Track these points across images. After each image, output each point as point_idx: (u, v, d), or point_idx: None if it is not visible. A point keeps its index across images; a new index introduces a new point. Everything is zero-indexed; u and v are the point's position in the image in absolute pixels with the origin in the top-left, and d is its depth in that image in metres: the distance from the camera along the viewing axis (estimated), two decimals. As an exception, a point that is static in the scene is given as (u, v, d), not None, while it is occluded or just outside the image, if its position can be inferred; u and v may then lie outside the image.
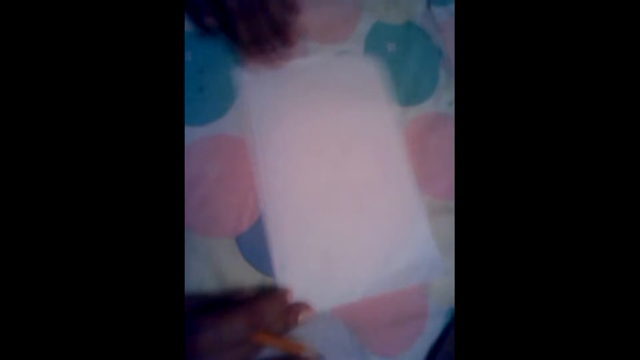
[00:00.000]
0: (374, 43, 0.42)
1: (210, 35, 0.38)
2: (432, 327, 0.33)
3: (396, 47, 0.42)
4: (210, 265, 0.32)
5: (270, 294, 0.31)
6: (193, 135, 0.35)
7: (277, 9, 0.38)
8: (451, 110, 0.41)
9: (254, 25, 0.37)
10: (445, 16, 0.45)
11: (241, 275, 0.32)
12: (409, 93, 0.41)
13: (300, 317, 0.31)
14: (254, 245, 0.33)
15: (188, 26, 0.38)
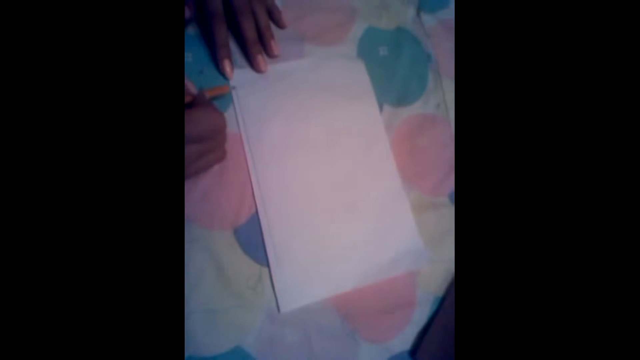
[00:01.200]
0: (367, 47, 0.44)
1: (188, 25, 0.39)
2: (420, 315, 0.35)
3: (387, 51, 0.45)
4: (210, 256, 0.33)
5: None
6: (193, 131, 0.36)
7: (262, 17, 0.40)
8: (439, 112, 0.43)
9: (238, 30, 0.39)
10: (434, 22, 0.47)
11: (239, 265, 0.34)
12: (399, 95, 0.43)
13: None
14: (251, 237, 0.35)
15: (189, 29, 0.40)
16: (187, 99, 0.33)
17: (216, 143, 0.33)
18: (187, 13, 0.37)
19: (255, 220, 0.35)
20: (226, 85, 0.37)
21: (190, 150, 0.30)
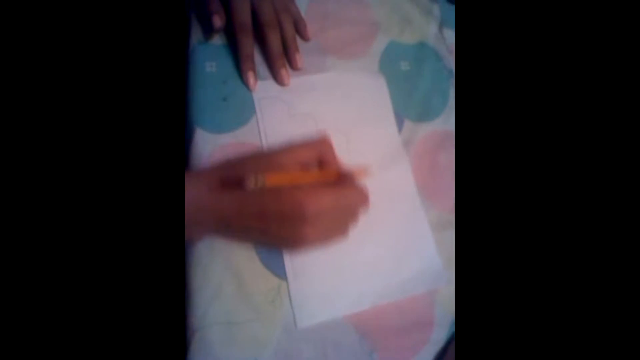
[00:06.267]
0: (388, 61, 0.44)
1: (215, 35, 0.40)
2: (438, 335, 0.35)
3: (409, 66, 0.45)
4: (230, 269, 0.33)
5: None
6: (216, 142, 0.36)
7: (288, 30, 0.40)
8: (460, 129, 0.43)
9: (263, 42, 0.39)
10: (456, 39, 0.47)
11: (258, 278, 0.33)
12: (420, 110, 0.43)
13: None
14: (270, 250, 0.34)
15: (215, 38, 0.40)
16: (336, 174, 0.33)
17: (352, 220, 0.33)
18: (218, 22, 0.37)
19: (275, 233, 0.35)
20: (365, 169, 0.36)
21: (331, 221, 0.31)
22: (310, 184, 0.30)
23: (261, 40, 0.40)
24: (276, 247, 0.34)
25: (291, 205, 0.28)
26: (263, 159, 0.31)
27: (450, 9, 0.49)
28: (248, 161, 0.32)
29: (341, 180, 0.33)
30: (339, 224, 0.32)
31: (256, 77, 0.39)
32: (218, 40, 0.40)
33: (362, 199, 0.32)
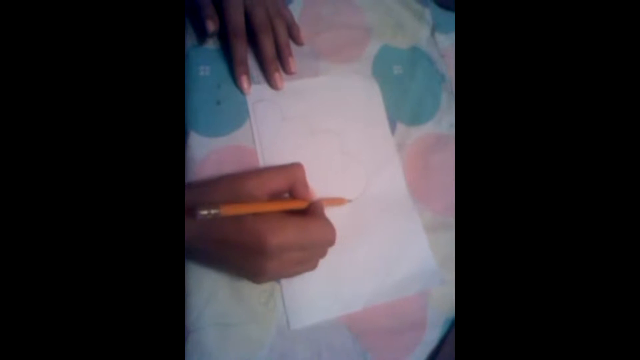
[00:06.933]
0: (381, 65, 0.45)
1: (208, 39, 0.40)
2: (431, 336, 0.35)
3: (402, 70, 0.45)
4: (224, 271, 0.33)
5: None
6: (210, 146, 0.37)
7: (282, 34, 0.40)
8: (452, 132, 0.43)
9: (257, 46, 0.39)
10: (448, 43, 0.48)
11: (252, 280, 0.34)
12: (413, 114, 0.43)
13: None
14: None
15: (209, 43, 0.40)
16: (304, 204, 0.32)
17: (318, 254, 0.32)
18: (212, 26, 0.37)
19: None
20: (343, 198, 0.37)
21: (295, 255, 0.30)
22: (275, 215, 0.30)
23: (255, 44, 0.40)
24: (239, 276, 0.33)
25: (252, 237, 0.28)
26: (233, 187, 0.30)
27: (442, 14, 0.50)
28: (217, 187, 0.31)
29: (309, 212, 0.32)
30: (304, 258, 0.31)
31: (250, 81, 0.39)
32: (212, 44, 0.41)
33: (327, 234, 0.31)
